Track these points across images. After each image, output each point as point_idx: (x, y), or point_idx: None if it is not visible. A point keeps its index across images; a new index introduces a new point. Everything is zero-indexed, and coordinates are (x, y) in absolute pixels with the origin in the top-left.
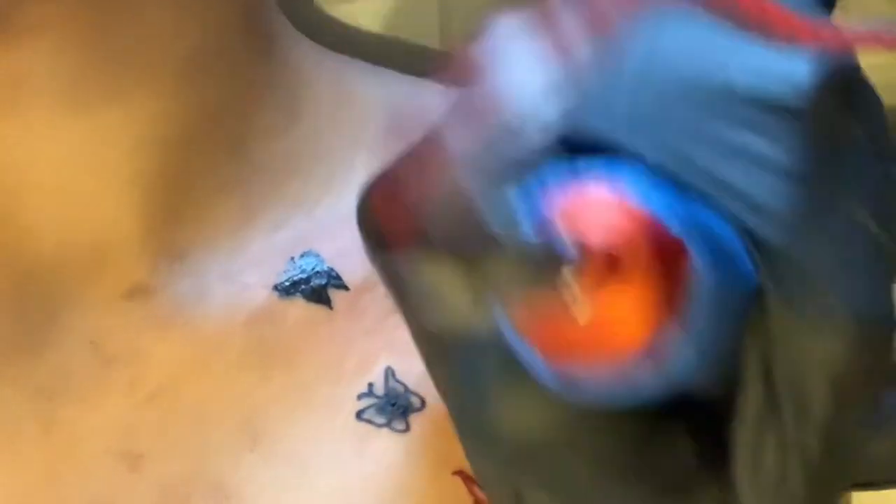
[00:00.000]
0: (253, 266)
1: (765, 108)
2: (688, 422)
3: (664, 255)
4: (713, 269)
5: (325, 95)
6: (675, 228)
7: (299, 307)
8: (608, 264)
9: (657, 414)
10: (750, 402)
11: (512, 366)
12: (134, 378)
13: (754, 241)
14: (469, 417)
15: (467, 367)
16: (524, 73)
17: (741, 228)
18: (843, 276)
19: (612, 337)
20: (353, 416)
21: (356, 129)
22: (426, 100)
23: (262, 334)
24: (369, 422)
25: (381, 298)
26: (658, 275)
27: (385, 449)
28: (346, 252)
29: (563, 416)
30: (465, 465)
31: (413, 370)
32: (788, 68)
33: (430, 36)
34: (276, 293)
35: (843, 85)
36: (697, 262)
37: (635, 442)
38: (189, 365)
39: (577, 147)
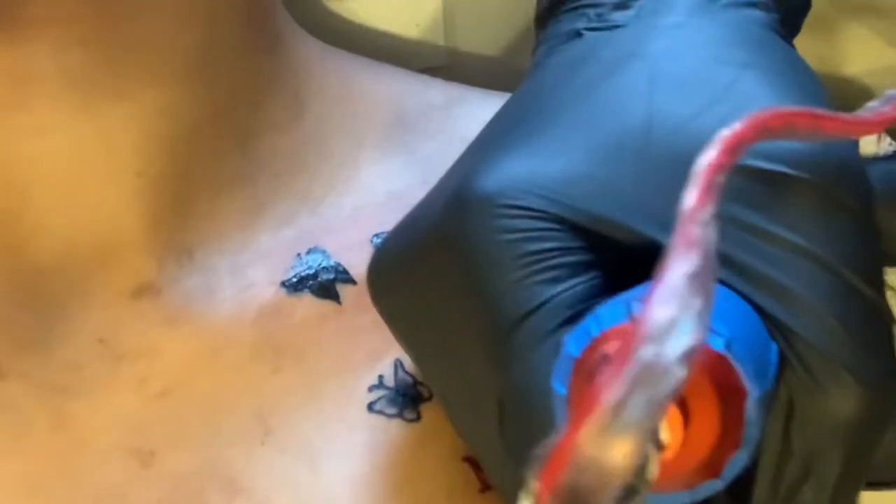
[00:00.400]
0: (260, 261)
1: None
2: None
3: (719, 380)
4: (758, 378)
5: (329, 91)
6: (718, 346)
7: (307, 302)
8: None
9: None
10: (767, 468)
11: None
12: (144, 374)
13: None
14: None
15: None
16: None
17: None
18: (849, 343)
19: (686, 470)
20: (364, 407)
21: (360, 126)
22: (429, 96)
23: (272, 330)
24: (381, 413)
25: None
26: (719, 403)
27: (396, 439)
28: (352, 247)
29: None
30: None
31: None
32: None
33: (434, 32)
34: (283, 289)
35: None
36: (746, 379)
37: None
38: (199, 361)
39: None
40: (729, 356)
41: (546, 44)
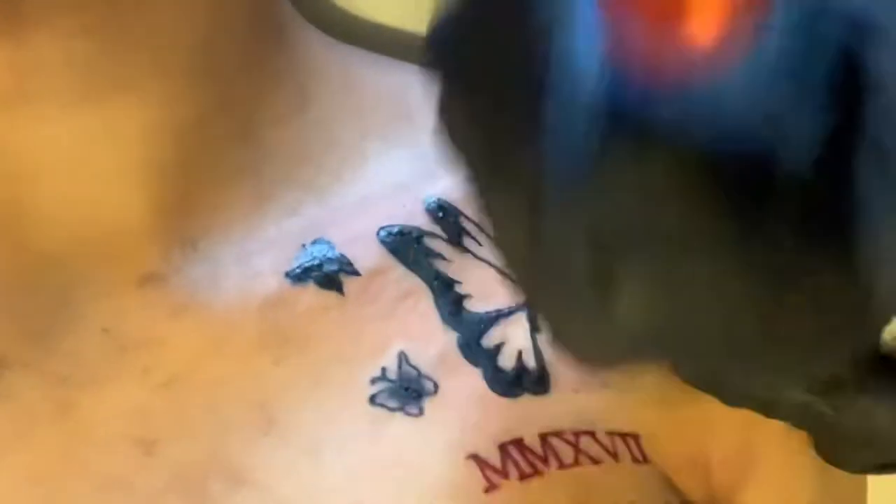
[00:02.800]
0: (265, 252)
1: None
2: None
3: None
4: None
5: (333, 84)
6: None
7: (311, 293)
8: None
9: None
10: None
11: None
12: (148, 364)
13: None
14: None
15: None
16: None
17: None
18: None
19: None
20: (366, 400)
21: (365, 118)
22: (433, 88)
23: (276, 320)
24: (383, 406)
25: (392, 283)
26: None
27: (398, 433)
28: (357, 238)
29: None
30: (479, 450)
31: (426, 354)
32: None
33: None
34: (288, 280)
35: None
36: None
37: (726, 216)
38: (203, 350)
39: None
40: None
41: None
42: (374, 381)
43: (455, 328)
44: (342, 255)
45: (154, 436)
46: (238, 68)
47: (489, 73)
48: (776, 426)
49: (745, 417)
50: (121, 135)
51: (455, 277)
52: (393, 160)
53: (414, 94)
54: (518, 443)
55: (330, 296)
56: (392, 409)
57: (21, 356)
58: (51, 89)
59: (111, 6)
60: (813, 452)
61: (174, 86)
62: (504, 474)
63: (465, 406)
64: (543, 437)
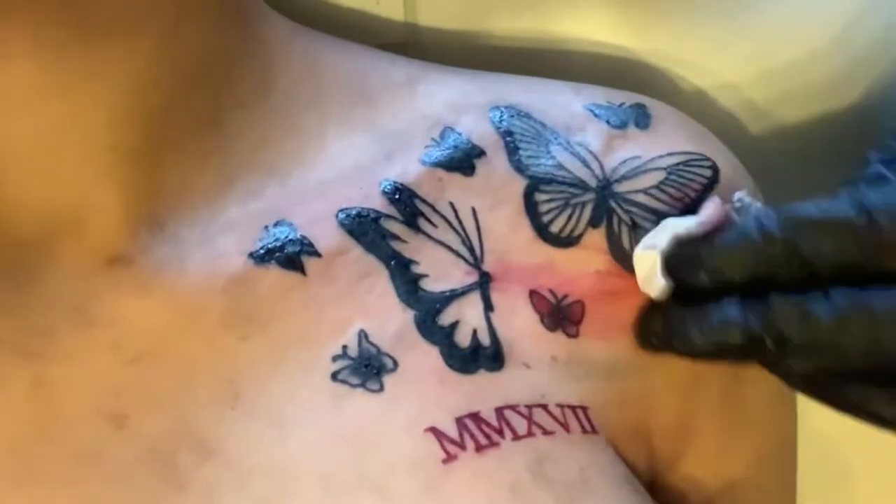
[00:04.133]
0: (229, 232)
1: None
2: None
3: None
4: None
5: (295, 68)
6: None
7: (274, 273)
8: None
9: None
10: None
11: None
12: (118, 341)
13: None
14: None
15: None
16: None
17: None
18: None
19: None
20: (328, 376)
21: (325, 102)
22: (392, 73)
23: (240, 298)
24: (344, 382)
25: (351, 264)
26: None
27: (360, 407)
28: (318, 220)
29: None
30: (437, 423)
31: (385, 332)
32: None
33: (394, 8)
34: (251, 260)
35: None
36: None
37: None
38: (170, 327)
39: None
40: None
41: None
42: (335, 358)
43: (412, 306)
44: (303, 237)
45: (125, 410)
46: (203, 55)
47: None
48: (712, 396)
49: (682, 388)
50: (88, 121)
51: (411, 257)
52: (351, 143)
53: (373, 78)
54: (474, 416)
55: (292, 276)
56: (353, 386)
57: None
58: (20, 79)
59: None
60: (746, 419)
61: (141, 72)
62: (461, 446)
63: (423, 382)
64: (499, 411)
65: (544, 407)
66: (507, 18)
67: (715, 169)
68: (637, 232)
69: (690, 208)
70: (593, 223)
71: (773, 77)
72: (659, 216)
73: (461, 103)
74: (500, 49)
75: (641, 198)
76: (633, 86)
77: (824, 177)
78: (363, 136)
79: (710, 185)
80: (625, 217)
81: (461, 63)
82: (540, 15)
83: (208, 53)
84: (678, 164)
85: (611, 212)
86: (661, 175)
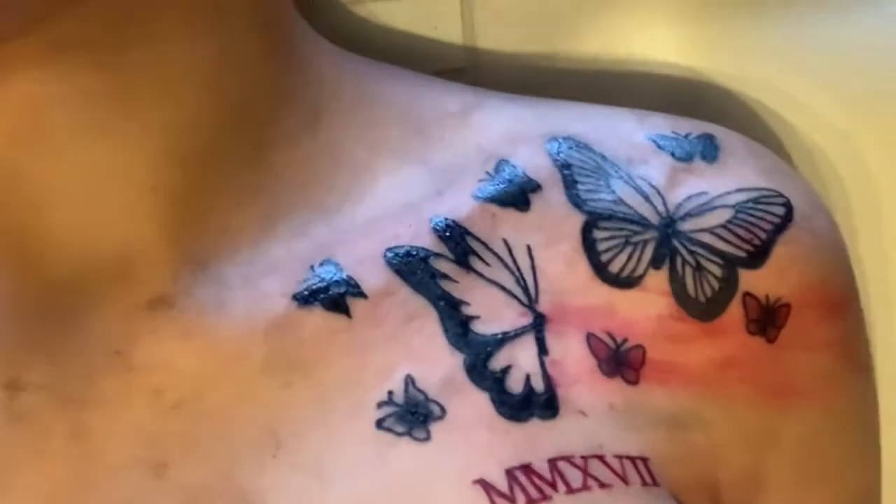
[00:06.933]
0: (273, 273)
1: None
2: None
3: None
4: None
5: (345, 99)
6: None
7: (318, 316)
8: None
9: None
10: None
11: None
12: (158, 386)
13: None
14: None
15: None
16: None
17: None
18: None
19: None
20: (373, 424)
21: (377, 133)
22: (446, 102)
23: (282, 343)
24: (389, 430)
25: (398, 305)
26: None
27: (405, 457)
28: (364, 260)
29: None
30: (486, 474)
31: (433, 377)
32: None
33: (453, 32)
34: (295, 302)
35: None
36: None
37: None
38: (211, 373)
39: None
40: None
41: None
42: (380, 405)
43: (462, 350)
44: (349, 277)
45: (165, 458)
46: (248, 90)
47: None
48: (787, 448)
49: (754, 441)
50: (129, 162)
51: (462, 298)
52: (402, 177)
53: (427, 108)
54: (526, 468)
55: (337, 318)
56: (399, 434)
57: (35, 378)
58: (59, 120)
59: (120, 40)
60: (824, 471)
61: (183, 111)
62: (511, 499)
63: (472, 430)
64: (552, 462)
65: (601, 458)
66: (570, 40)
67: (788, 206)
68: (702, 274)
69: (761, 250)
70: (655, 263)
71: (851, 99)
72: (725, 258)
73: (517, 134)
74: (562, 72)
75: (707, 238)
76: (703, 109)
77: None
78: (415, 170)
79: (782, 225)
80: (689, 258)
81: (522, 87)
82: (604, 36)
83: (254, 89)
84: (747, 201)
85: (674, 252)
86: (728, 213)
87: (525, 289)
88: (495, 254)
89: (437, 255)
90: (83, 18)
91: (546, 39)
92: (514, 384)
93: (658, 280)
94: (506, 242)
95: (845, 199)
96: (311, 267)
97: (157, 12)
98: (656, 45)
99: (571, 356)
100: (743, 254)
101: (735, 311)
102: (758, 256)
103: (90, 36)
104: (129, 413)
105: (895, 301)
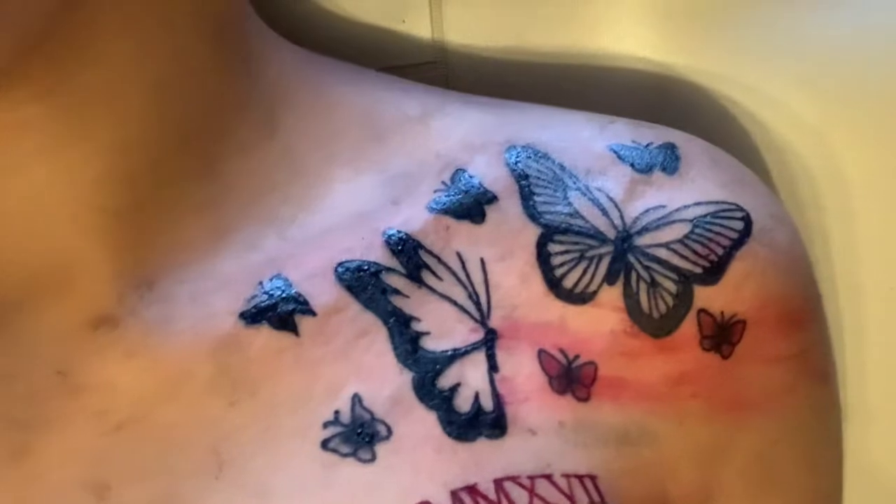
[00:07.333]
0: (222, 290)
1: None
2: None
3: None
4: None
5: (303, 105)
6: None
7: (265, 334)
8: None
9: None
10: None
11: None
12: (101, 407)
13: None
14: None
15: None
16: None
17: None
18: None
19: None
20: (318, 444)
21: (334, 140)
22: (406, 106)
23: (229, 362)
24: (335, 451)
25: (348, 322)
26: None
27: (349, 479)
28: (315, 274)
29: None
30: (430, 496)
31: (380, 396)
32: None
33: (422, 26)
34: (242, 321)
35: None
36: None
37: None
38: (155, 394)
39: None
40: None
41: None
42: (326, 425)
43: (410, 368)
44: (298, 294)
45: (107, 480)
46: (198, 103)
47: None
48: (740, 460)
49: (705, 455)
50: (75, 183)
51: (413, 314)
52: (358, 186)
53: (386, 112)
54: (471, 489)
55: (284, 337)
56: (344, 455)
57: None
58: (5, 150)
59: (60, 71)
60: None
61: (130, 131)
62: None
63: (418, 451)
64: (498, 482)
65: (549, 477)
66: (540, 34)
67: (747, 220)
68: (657, 290)
69: (717, 265)
70: (610, 279)
71: (824, 96)
72: (680, 274)
73: (477, 141)
74: (531, 66)
75: (663, 253)
76: (674, 106)
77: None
78: (371, 179)
79: (740, 240)
80: (644, 274)
81: (490, 81)
82: (575, 30)
83: (205, 101)
84: (706, 215)
85: (629, 267)
86: (686, 228)
87: (477, 304)
88: (448, 268)
89: (389, 269)
90: (24, 52)
91: (515, 34)
92: (463, 403)
93: (612, 296)
94: (459, 256)
95: (817, 197)
96: (261, 283)
97: (101, 35)
98: (627, 40)
99: (522, 373)
100: (699, 269)
101: (689, 327)
102: (714, 272)
103: (32, 67)
104: (71, 434)
105: (865, 299)
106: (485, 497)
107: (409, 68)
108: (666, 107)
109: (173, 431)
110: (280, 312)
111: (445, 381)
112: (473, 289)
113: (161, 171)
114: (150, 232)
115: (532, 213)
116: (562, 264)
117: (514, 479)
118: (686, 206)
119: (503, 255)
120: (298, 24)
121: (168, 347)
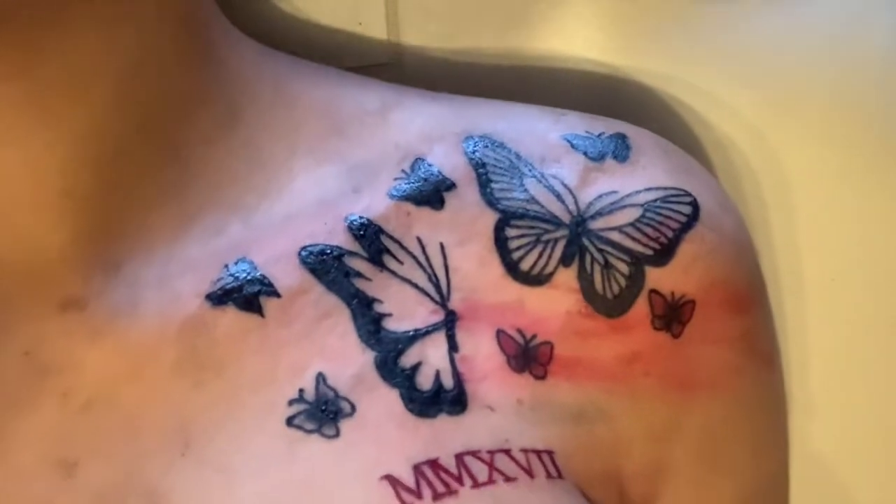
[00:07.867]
0: (188, 273)
1: None
2: None
3: None
4: None
5: (264, 98)
6: None
7: (231, 315)
8: None
9: None
10: None
11: None
12: (67, 387)
13: None
14: None
15: None
16: None
17: None
18: None
19: None
20: (283, 421)
21: (294, 133)
22: (364, 100)
23: (195, 343)
24: (299, 427)
25: (311, 304)
26: None
27: (314, 454)
28: (279, 258)
29: None
30: (393, 470)
31: (344, 375)
32: None
33: (377, 27)
34: (208, 302)
35: None
36: None
37: None
38: (122, 374)
39: None
40: None
41: None
42: (291, 402)
43: (373, 347)
44: (263, 276)
45: (74, 458)
46: (163, 91)
47: None
48: (691, 439)
49: (658, 433)
50: (40, 168)
51: (375, 296)
52: (319, 175)
53: (345, 106)
54: (433, 463)
55: (250, 318)
56: (308, 431)
57: None
58: None
59: (28, 52)
60: (728, 459)
61: (95, 117)
62: (418, 494)
63: (381, 427)
64: (459, 457)
65: (507, 452)
66: (493, 37)
67: (695, 205)
68: (610, 271)
69: (667, 248)
70: (565, 261)
71: (769, 95)
72: (633, 256)
73: (435, 132)
74: (485, 68)
75: (616, 236)
76: (622, 106)
77: (823, 198)
78: (332, 168)
79: (688, 224)
80: (598, 256)
81: (445, 83)
82: (526, 33)
83: (169, 89)
84: (656, 199)
85: (584, 250)
86: (637, 212)
87: (437, 286)
88: (409, 252)
89: (352, 253)
90: None
91: (470, 36)
92: (424, 380)
93: (567, 277)
94: (420, 241)
95: (760, 193)
96: (226, 266)
97: (68, 18)
98: (577, 42)
99: (481, 353)
100: (650, 252)
101: (641, 307)
102: (664, 254)
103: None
104: (37, 414)
105: (807, 291)
106: (446, 471)
107: (365, 69)
108: (614, 106)
109: (139, 410)
110: (245, 294)
111: (407, 360)
112: (433, 272)
113: (125, 158)
114: (116, 217)
115: (490, 200)
116: (519, 248)
117: (474, 453)
118: (637, 192)
119: (462, 239)
120: (255, 25)
121: (135, 329)
